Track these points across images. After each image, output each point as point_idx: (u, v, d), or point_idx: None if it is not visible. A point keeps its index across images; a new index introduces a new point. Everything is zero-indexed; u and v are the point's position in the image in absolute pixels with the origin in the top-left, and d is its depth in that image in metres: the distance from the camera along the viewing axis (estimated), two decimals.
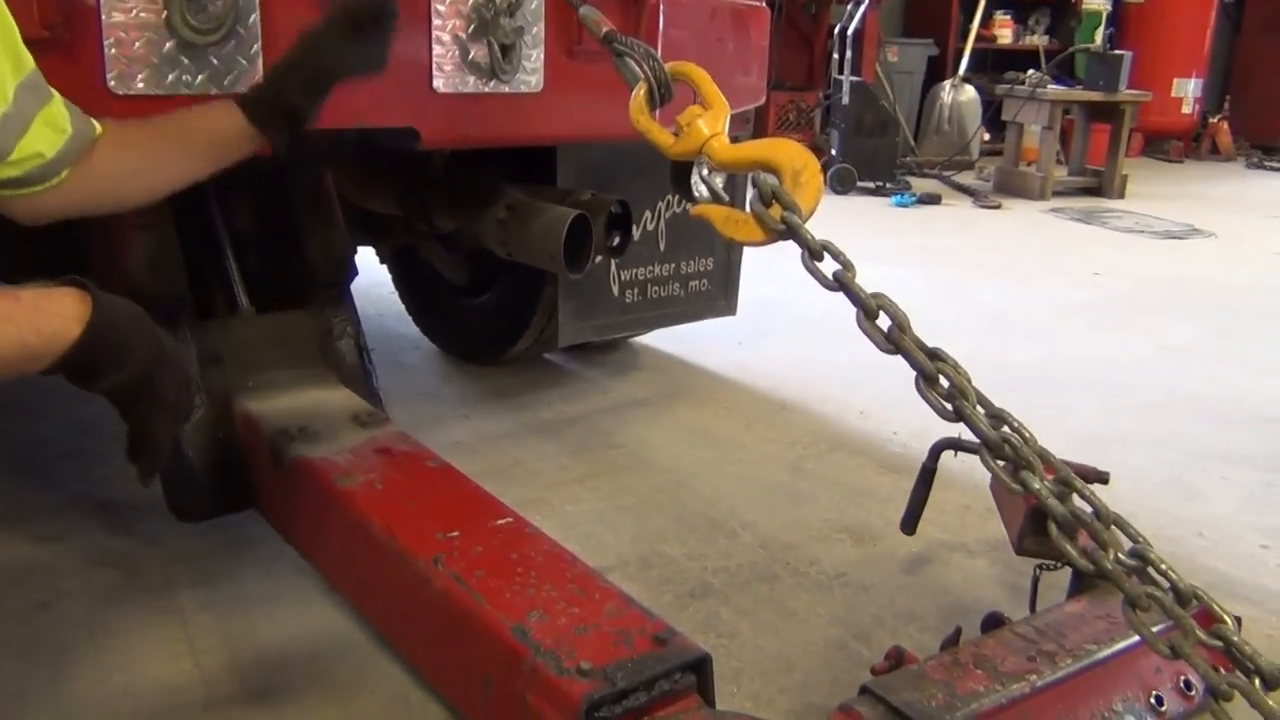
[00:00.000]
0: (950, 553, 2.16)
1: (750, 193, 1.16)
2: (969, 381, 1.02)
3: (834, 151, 6.77)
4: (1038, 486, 0.93)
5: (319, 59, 1.53)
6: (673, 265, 2.85)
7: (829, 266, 1.10)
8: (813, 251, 1.09)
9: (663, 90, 1.32)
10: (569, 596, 1.44)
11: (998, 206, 6.51)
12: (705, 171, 1.23)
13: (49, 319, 1.06)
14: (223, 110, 1.51)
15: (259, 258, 2.32)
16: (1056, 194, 6.87)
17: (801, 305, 3.70)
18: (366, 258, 2.93)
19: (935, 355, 1.04)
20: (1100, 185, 7.04)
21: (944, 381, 1.02)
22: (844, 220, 5.63)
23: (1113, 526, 1.04)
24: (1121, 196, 6.94)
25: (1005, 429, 0.99)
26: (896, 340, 1.04)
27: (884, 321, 1.06)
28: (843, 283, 1.07)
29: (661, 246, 2.79)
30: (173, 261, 2.07)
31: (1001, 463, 1.05)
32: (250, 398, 2.01)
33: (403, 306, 3.44)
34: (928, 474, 1.99)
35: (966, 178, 7.46)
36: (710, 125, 1.24)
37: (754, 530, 2.22)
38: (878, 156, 6.71)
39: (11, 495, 2.24)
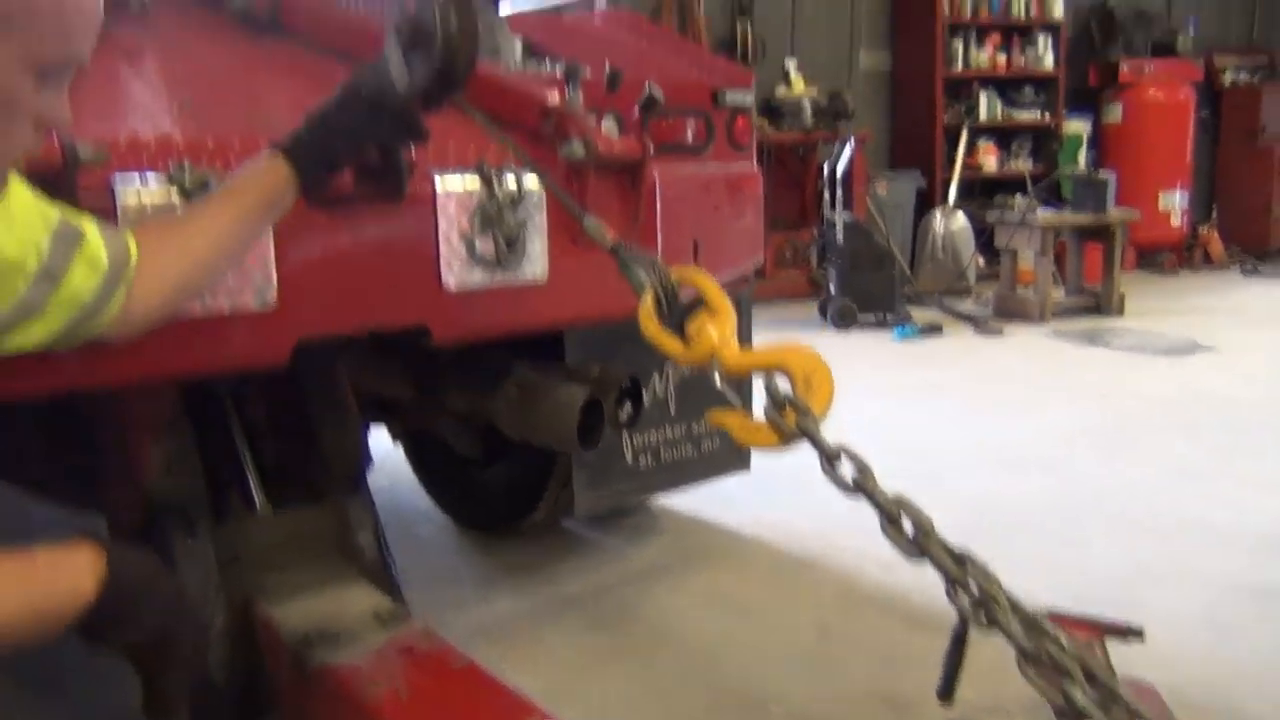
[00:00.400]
0: (989, 717, 2.10)
1: (764, 401, 1.17)
2: (999, 586, 1.02)
3: (832, 289, 6.86)
4: (1083, 702, 0.92)
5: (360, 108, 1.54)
6: (684, 426, 2.86)
7: (848, 468, 1.11)
8: (829, 456, 1.10)
9: (669, 297, 1.35)
10: None
11: (999, 332, 6.56)
12: (718, 382, 1.25)
13: (63, 580, 1.05)
14: (265, 163, 1.52)
15: (273, 452, 2.33)
16: (1056, 315, 6.93)
17: (813, 455, 3.69)
18: (378, 433, 2.95)
19: (962, 560, 1.03)
20: (1099, 303, 7.11)
21: (974, 585, 1.02)
22: (847, 357, 5.67)
23: None
24: (1121, 313, 7.00)
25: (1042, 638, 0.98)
26: (923, 547, 1.04)
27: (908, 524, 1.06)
28: (862, 488, 1.08)
29: (672, 410, 2.81)
30: (188, 464, 2.09)
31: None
32: (270, 600, 2.00)
33: (414, 476, 3.45)
34: (959, 638, 1.95)
35: (966, 304, 7.54)
36: (719, 331, 1.27)
37: (786, 704, 2.17)
38: (876, 290, 6.79)
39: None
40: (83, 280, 1.32)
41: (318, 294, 1.78)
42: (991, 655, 2.27)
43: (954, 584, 1.02)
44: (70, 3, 1.08)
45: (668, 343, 1.32)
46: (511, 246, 1.95)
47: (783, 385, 1.20)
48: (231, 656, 1.95)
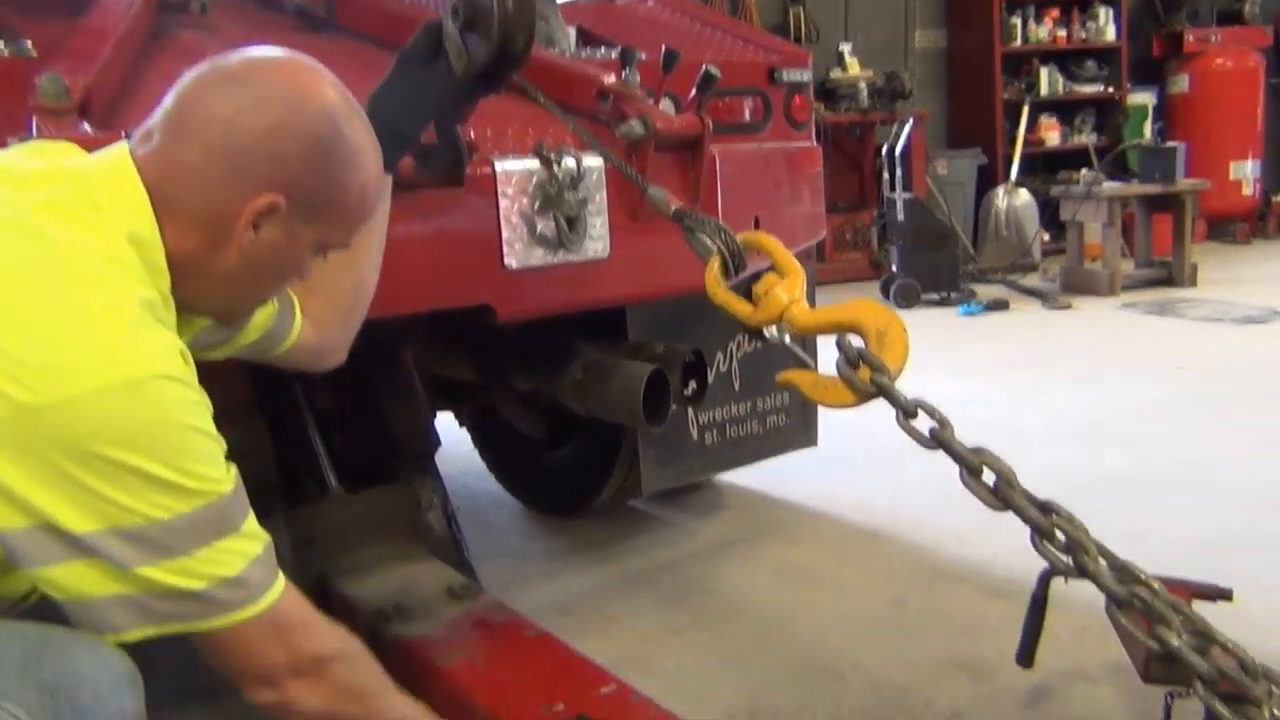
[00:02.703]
0: (1072, 682, 2.07)
1: (837, 356, 1.15)
2: (1087, 534, 0.99)
3: (895, 268, 6.78)
4: (1177, 644, 0.89)
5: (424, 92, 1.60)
6: (749, 403, 2.85)
7: (924, 422, 1.09)
8: (906, 411, 1.08)
9: (736, 261, 1.34)
10: None
11: (1068, 307, 6.44)
12: (787, 339, 1.23)
13: None
14: None
15: (343, 435, 2.37)
16: (1126, 288, 6.77)
17: (882, 427, 3.65)
18: (445, 420, 2.98)
19: (1048, 508, 1.01)
20: (1170, 275, 6.94)
21: (1060, 534, 0.99)
22: (913, 334, 5.55)
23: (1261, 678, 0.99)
24: (1194, 285, 6.83)
25: (1133, 584, 0.95)
26: (1006, 497, 1.02)
27: (989, 476, 1.04)
28: (941, 441, 1.06)
29: (736, 386, 2.80)
30: (262, 449, 2.12)
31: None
32: (345, 579, 2.03)
33: (483, 463, 3.47)
34: (1039, 603, 1.92)
35: (1032, 280, 7.41)
36: (788, 292, 1.25)
37: (863, 672, 2.15)
38: (939, 268, 6.71)
39: None
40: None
41: (384, 277, 1.80)
42: (1072, 623, 2.25)
43: (1040, 533, 0.99)
44: (367, 206, 1.26)
45: (736, 305, 1.31)
46: (572, 225, 1.96)
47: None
48: None
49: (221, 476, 1.10)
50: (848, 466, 3.46)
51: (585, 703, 1.58)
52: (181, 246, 1.15)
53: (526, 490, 3.36)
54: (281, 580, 1.19)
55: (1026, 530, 1.17)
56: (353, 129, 1.21)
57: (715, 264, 1.35)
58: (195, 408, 1.09)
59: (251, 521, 1.15)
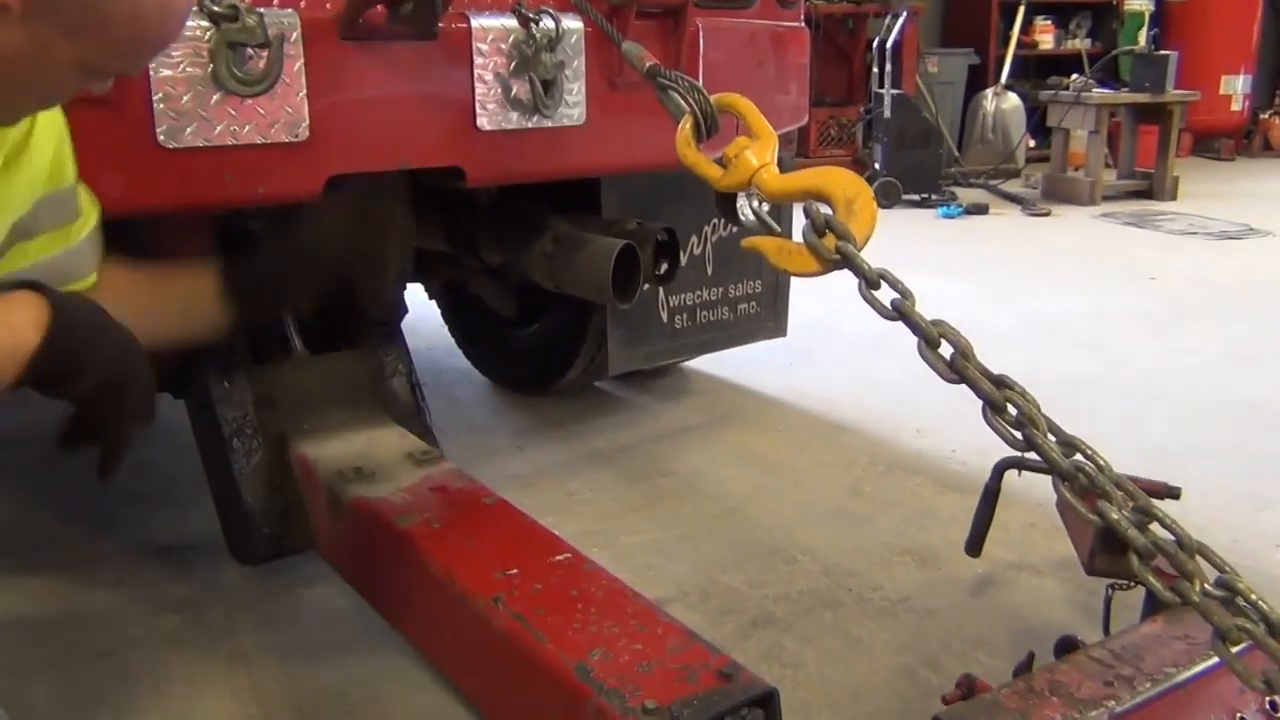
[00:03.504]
0: (1017, 573, 2.11)
1: (803, 223, 1.14)
2: (1038, 409, 1.00)
3: (877, 165, 6.72)
4: (1115, 517, 0.90)
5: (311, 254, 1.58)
6: (721, 289, 2.83)
7: (886, 295, 1.08)
8: (869, 281, 1.07)
9: (709, 123, 1.31)
10: (631, 633, 1.43)
11: (1047, 214, 6.42)
12: (755, 203, 1.21)
13: (6, 330, 1.03)
14: (203, 272, 1.55)
15: None
16: (1106, 198, 6.76)
17: (851, 323, 3.67)
18: (414, 293, 2.95)
19: (1001, 383, 1.01)
20: (1151, 188, 6.92)
21: (1012, 409, 0.99)
22: (891, 233, 5.54)
23: (1196, 555, 1.00)
24: (1173, 198, 6.82)
25: (1078, 457, 0.96)
26: (961, 369, 1.02)
27: (946, 350, 1.04)
28: (902, 312, 1.05)
29: (709, 271, 2.78)
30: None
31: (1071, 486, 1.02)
32: (306, 440, 2.02)
33: (452, 339, 3.46)
34: (991, 494, 1.95)
35: (1013, 186, 7.37)
36: (758, 156, 1.23)
37: (814, 556, 2.18)
38: (922, 168, 6.65)
39: (73, 542, 2.27)
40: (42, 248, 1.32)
41: (350, 129, 1.75)
42: (1022, 518, 2.29)
43: (992, 407, 1.00)
44: (144, 32, 1.06)
45: (706, 168, 1.28)
46: (548, 89, 1.91)
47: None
48: (268, 494, 1.99)
49: None
50: (815, 361, 3.48)
51: (539, 569, 1.60)
52: None
53: (494, 367, 3.35)
54: None
55: (985, 427, 1.18)
56: None
57: (687, 124, 1.32)
58: None
59: None
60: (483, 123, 1.85)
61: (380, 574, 1.79)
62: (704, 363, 3.30)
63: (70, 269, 1.37)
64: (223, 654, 1.86)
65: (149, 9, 1.04)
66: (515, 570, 1.59)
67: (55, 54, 1.02)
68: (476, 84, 1.84)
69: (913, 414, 2.94)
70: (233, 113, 1.60)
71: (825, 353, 3.58)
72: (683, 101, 1.34)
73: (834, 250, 1.10)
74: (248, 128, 1.63)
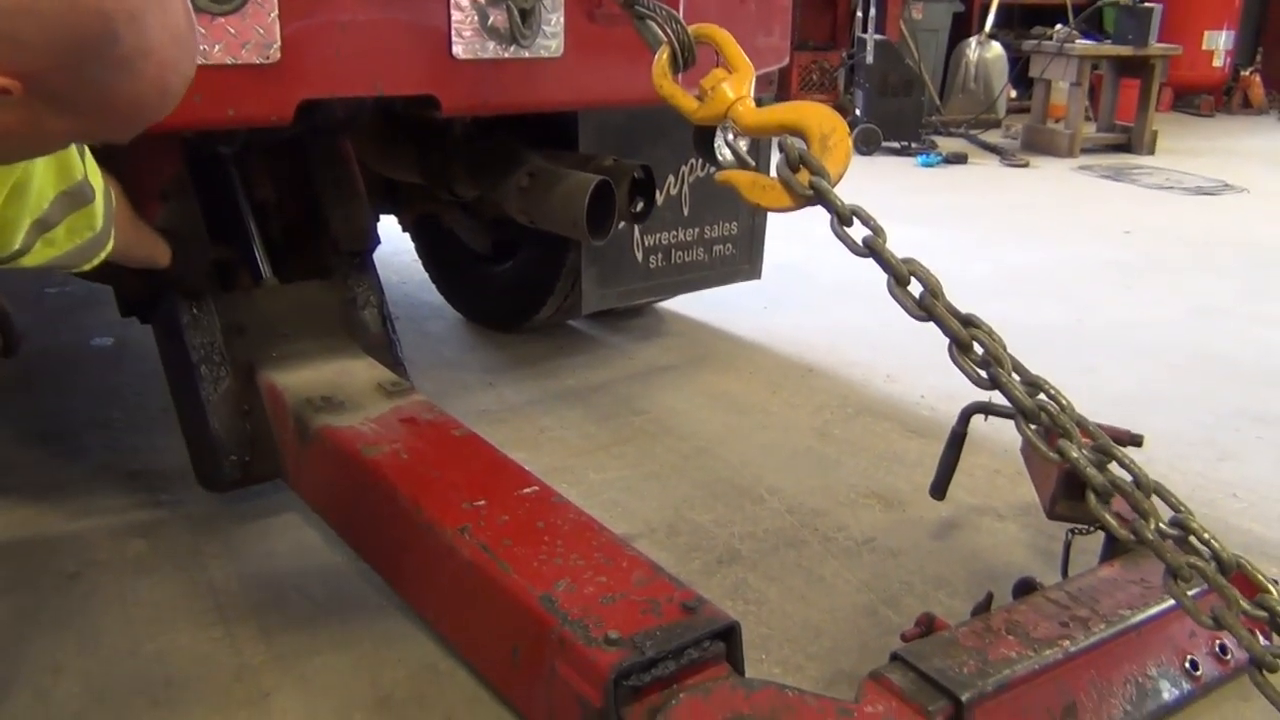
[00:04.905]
0: (980, 517, 2.14)
1: (777, 157, 1.13)
2: (1004, 348, 1.00)
3: (859, 112, 6.69)
4: (1075, 455, 0.91)
5: None
6: (696, 230, 2.82)
7: (858, 232, 1.07)
8: (842, 217, 1.07)
9: (686, 54, 1.29)
10: (596, 565, 1.44)
11: (1025, 165, 6.42)
12: (730, 136, 1.20)
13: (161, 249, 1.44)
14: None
15: (281, 228, 2.31)
16: (1085, 151, 6.76)
17: (827, 269, 3.68)
18: (389, 226, 2.92)
19: (969, 322, 1.01)
20: (1130, 141, 6.93)
21: (978, 348, 1.00)
22: (869, 180, 5.56)
23: (1153, 495, 1.02)
24: (1152, 152, 6.83)
25: (1041, 396, 0.97)
26: (929, 307, 1.02)
27: (916, 288, 1.04)
28: (873, 249, 1.05)
29: (685, 211, 2.76)
30: (195, 231, 2.07)
31: (1034, 427, 1.03)
32: (275, 368, 2.01)
33: (425, 274, 3.43)
34: (958, 438, 1.96)
35: (993, 136, 7.36)
36: (735, 89, 1.21)
37: (781, 496, 2.20)
38: (903, 116, 6.62)
39: (41, 466, 2.26)
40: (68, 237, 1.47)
41: (322, 53, 1.72)
42: (987, 464, 2.32)
43: (959, 345, 1.00)
44: (142, 113, 1.08)
45: (681, 99, 1.27)
46: (526, 19, 1.88)
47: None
48: (236, 422, 1.98)
49: None
50: (789, 306, 3.48)
51: (507, 501, 1.61)
52: None
53: (467, 303, 3.34)
54: None
55: (955, 373, 1.18)
56: (137, 30, 1.01)
57: (664, 54, 1.30)
58: None
59: None
60: (458, 50, 1.83)
61: (347, 503, 1.79)
62: (678, 304, 3.30)
63: (96, 246, 1.55)
64: (189, 579, 1.86)
65: (149, 95, 1.06)
66: (483, 502, 1.59)
67: (51, 127, 1.05)
68: (453, 10, 1.81)
69: (884, 359, 2.95)
70: (202, 31, 1.56)
71: (800, 297, 3.58)
72: (660, 31, 1.32)
73: (808, 185, 1.09)
74: (217, 47, 1.60)
